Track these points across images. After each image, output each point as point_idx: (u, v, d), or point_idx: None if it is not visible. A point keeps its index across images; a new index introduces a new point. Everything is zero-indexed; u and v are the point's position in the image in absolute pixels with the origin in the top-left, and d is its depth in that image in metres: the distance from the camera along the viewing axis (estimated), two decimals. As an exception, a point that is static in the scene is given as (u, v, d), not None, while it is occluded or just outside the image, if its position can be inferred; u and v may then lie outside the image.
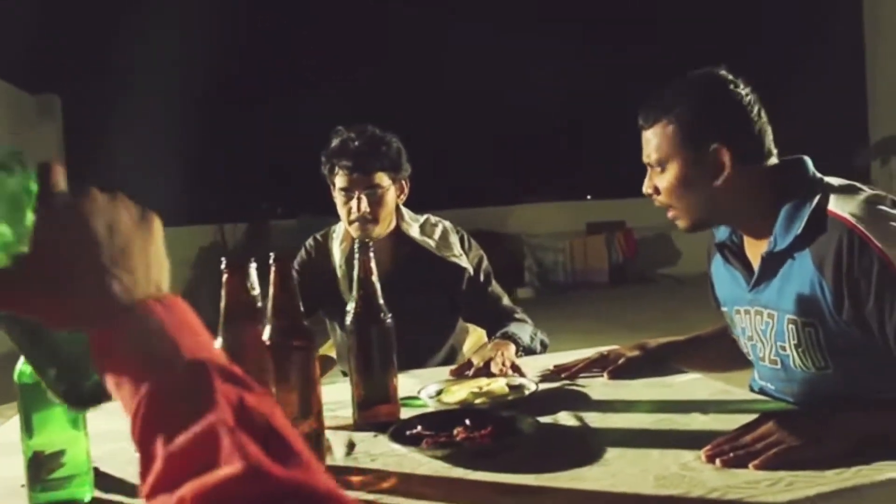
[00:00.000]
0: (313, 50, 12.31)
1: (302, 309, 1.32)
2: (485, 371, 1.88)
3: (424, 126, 12.68)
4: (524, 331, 2.25)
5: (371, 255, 1.56)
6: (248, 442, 0.57)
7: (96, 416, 1.70)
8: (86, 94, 11.38)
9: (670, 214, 1.65)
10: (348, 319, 1.56)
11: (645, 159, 1.63)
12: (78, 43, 11.49)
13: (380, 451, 1.39)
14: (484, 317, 2.49)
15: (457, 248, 2.45)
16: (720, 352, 1.90)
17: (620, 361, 1.85)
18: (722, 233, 1.74)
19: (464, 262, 2.43)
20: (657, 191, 1.63)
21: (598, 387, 1.76)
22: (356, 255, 1.57)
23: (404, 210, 2.51)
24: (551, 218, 12.16)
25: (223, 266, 1.22)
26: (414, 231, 2.46)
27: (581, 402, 1.64)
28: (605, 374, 1.83)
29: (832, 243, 1.42)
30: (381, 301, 1.56)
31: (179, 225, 11.06)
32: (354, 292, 1.56)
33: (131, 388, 0.62)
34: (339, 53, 11.75)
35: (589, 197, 13.04)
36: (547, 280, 11.62)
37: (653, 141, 1.60)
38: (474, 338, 2.79)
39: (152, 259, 0.71)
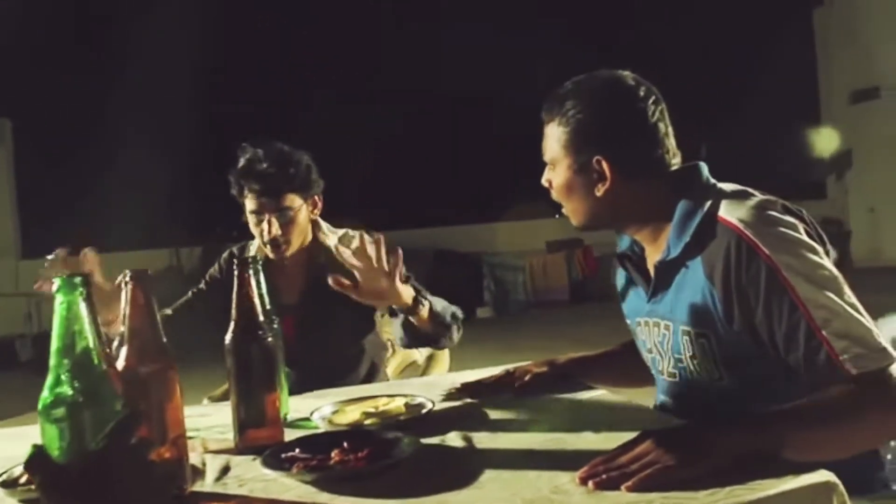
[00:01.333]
0: (269, 75, 12.22)
1: (160, 329, 1.24)
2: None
3: (385, 146, 12.62)
4: (438, 301, 2.17)
5: (251, 272, 1.49)
6: None
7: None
8: (37, 117, 11.20)
9: (563, 211, 1.62)
10: (227, 338, 1.49)
11: (543, 152, 1.61)
12: (30, 66, 11.33)
13: (251, 476, 1.31)
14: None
15: None
16: (630, 367, 1.85)
17: (527, 378, 1.79)
18: (623, 243, 1.70)
19: None
20: (550, 185, 1.61)
21: (500, 405, 1.69)
22: (235, 276, 1.49)
23: (323, 223, 2.46)
24: (511, 237, 12.15)
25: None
26: (331, 241, 2.41)
27: (476, 421, 1.57)
28: (510, 392, 1.77)
29: (721, 250, 1.37)
30: (262, 319, 1.49)
31: (134, 249, 10.90)
32: (233, 310, 1.49)
33: None
34: (294, 78, 11.66)
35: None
36: (507, 299, 11.58)
37: (547, 139, 1.58)
38: (399, 358, 2.72)
39: None
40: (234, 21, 12.75)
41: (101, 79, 11.45)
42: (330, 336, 2.36)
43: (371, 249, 1.88)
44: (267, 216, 2.26)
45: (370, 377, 2.48)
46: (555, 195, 1.61)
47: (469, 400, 1.76)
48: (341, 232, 2.49)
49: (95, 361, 0.99)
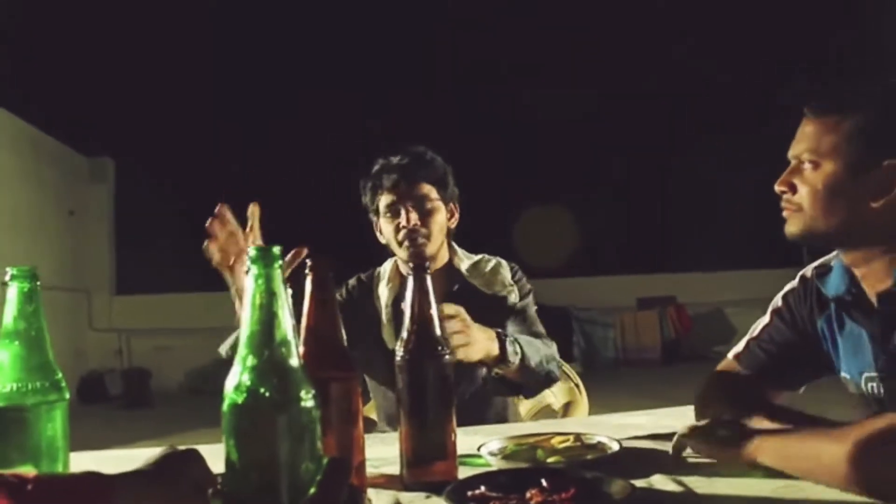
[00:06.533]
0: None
1: (342, 330, 1.06)
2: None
3: (481, 194, 12.50)
4: (533, 348, 1.99)
5: (428, 276, 1.30)
6: None
7: None
8: (139, 158, 11.44)
9: (785, 213, 1.43)
10: (398, 354, 1.29)
11: (792, 152, 1.42)
12: (135, 107, 11.62)
13: (433, 516, 1.12)
14: None
15: (507, 279, 2.21)
16: None
17: None
18: (836, 286, 1.47)
19: (514, 296, 2.20)
20: (792, 188, 1.40)
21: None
22: (409, 283, 1.31)
23: (457, 247, 2.27)
24: (601, 292, 11.80)
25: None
26: (465, 266, 2.23)
27: (676, 464, 1.35)
28: None
29: None
30: (440, 333, 1.29)
31: (222, 290, 10.90)
32: (406, 321, 1.30)
33: None
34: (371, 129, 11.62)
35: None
36: (596, 356, 11.21)
37: (816, 133, 1.38)
38: (531, 401, 2.49)
39: None
40: (365, 75, 12.90)
41: (202, 119, 11.68)
42: (465, 372, 2.15)
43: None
44: (404, 206, 2.10)
45: (502, 419, 2.26)
46: (800, 198, 1.40)
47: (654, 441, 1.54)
48: (477, 257, 2.30)
49: (294, 355, 0.81)
